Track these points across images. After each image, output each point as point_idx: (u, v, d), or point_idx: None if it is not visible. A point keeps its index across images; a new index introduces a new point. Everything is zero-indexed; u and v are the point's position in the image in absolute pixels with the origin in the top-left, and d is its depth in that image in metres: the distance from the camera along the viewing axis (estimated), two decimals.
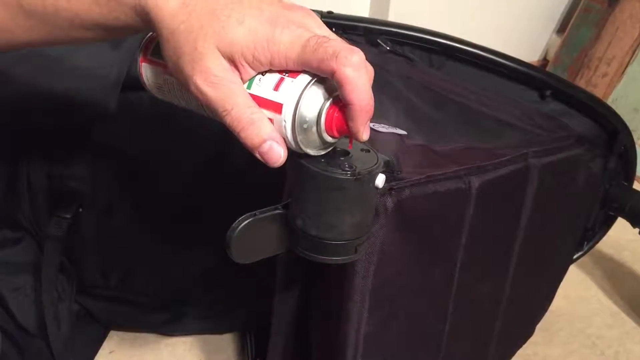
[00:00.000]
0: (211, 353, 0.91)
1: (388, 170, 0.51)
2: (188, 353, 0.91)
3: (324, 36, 0.38)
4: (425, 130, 0.69)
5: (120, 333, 0.93)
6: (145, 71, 0.47)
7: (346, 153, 0.44)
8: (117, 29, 0.42)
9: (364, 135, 0.40)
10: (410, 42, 0.86)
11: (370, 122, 0.61)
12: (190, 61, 0.38)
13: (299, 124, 0.39)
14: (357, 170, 0.41)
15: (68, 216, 0.77)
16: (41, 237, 0.80)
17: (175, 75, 0.41)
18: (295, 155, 0.42)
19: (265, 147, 0.39)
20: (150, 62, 0.46)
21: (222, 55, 0.38)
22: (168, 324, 0.91)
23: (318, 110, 0.40)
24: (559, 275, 0.90)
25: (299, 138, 0.40)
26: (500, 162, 0.62)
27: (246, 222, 0.43)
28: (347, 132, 0.40)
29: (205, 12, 0.38)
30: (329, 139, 0.41)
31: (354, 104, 0.38)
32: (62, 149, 0.77)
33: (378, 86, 0.77)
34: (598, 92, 1.62)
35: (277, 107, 0.39)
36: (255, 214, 0.44)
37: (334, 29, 0.85)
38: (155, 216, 0.82)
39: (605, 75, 1.62)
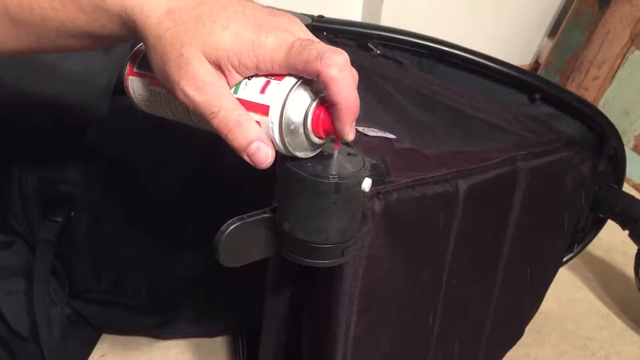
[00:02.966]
0: (203, 356, 0.92)
1: (376, 174, 0.51)
2: (180, 356, 0.91)
3: (308, 39, 0.39)
4: (415, 134, 0.70)
5: (112, 337, 0.92)
6: (132, 84, 0.48)
7: (333, 157, 0.44)
8: (104, 37, 0.43)
9: (350, 135, 0.41)
10: (400, 45, 0.87)
11: (360, 126, 0.62)
12: (176, 67, 0.38)
13: (286, 125, 0.40)
14: (343, 174, 0.42)
15: (59, 219, 0.77)
16: (33, 241, 0.80)
17: (162, 83, 0.41)
18: (282, 159, 0.42)
19: (253, 148, 0.39)
20: (137, 75, 0.47)
21: (208, 61, 0.38)
22: (160, 327, 0.91)
23: (304, 111, 0.40)
24: (549, 278, 0.90)
25: (286, 140, 0.40)
26: (487, 165, 0.63)
27: (234, 225, 0.43)
28: (334, 133, 0.41)
29: (190, 19, 0.38)
30: (316, 140, 0.42)
31: (339, 103, 0.39)
32: (53, 153, 0.77)
33: (368, 90, 0.78)
34: (589, 95, 1.63)
35: (264, 110, 0.40)
36: (243, 218, 0.44)
37: (325, 33, 0.85)
38: (146, 220, 0.82)
39: (596, 78, 1.63)
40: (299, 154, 0.42)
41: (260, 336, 0.64)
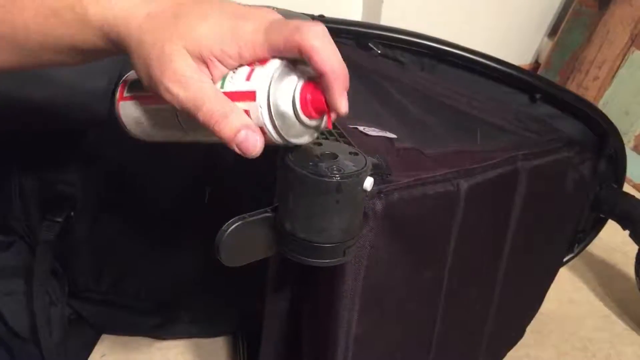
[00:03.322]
0: (203, 356, 0.91)
1: (377, 173, 0.51)
2: (180, 357, 0.91)
3: (286, 20, 0.39)
4: (415, 134, 0.70)
5: (112, 337, 0.92)
6: (124, 110, 0.48)
7: (334, 156, 0.44)
8: (88, 51, 0.43)
9: (343, 108, 0.40)
10: (401, 45, 0.87)
11: (361, 125, 0.62)
12: (158, 66, 0.38)
13: (274, 107, 0.39)
14: (345, 173, 0.42)
15: (59, 220, 0.77)
16: (33, 241, 0.80)
17: (146, 85, 0.41)
18: (282, 157, 0.42)
19: (241, 136, 0.39)
20: (127, 98, 0.47)
21: (191, 55, 0.39)
22: (160, 327, 0.91)
23: (292, 91, 0.40)
24: (549, 278, 0.90)
25: (277, 124, 0.40)
26: (488, 165, 0.62)
27: (235, 225, 0.43)
28: (325, 110, 0.40)
29: (169, 17, 0.39)
30: (307, 121, 0.41)
31: (325, 72, 0.38)
32: (53, 154, 0.77)
33: (368, 89, 0.77)
34: (589, 95, 1.63)
35: (251, 96, 0.39)
36: (244, 217, 0.44)
37: None
38: (146, 220, 0.82)
39: (596, 78, 1.63)
40: (294, 141, 0.41)
41: (260, 336, 0.64)
